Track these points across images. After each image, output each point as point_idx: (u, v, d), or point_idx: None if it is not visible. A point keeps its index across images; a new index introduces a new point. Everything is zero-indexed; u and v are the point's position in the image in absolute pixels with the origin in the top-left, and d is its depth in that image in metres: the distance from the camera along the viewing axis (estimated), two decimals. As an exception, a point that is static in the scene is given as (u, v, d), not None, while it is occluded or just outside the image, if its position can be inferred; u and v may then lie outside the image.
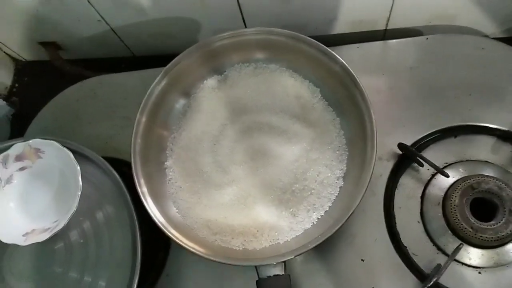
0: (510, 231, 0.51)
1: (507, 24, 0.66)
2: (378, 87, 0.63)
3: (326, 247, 0.56)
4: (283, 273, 0.47)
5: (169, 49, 0.74)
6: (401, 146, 0.58)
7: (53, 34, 0.73)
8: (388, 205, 0.57)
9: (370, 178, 0.49)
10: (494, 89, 0.61)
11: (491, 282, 0.52)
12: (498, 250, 0.52)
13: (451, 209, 0.54)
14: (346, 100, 0.55)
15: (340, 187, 0.54)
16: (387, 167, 0.59)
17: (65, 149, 0.56)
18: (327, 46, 0.55)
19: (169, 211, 0.55)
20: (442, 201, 0.55)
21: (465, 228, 0.52)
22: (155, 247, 0.59)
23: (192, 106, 0.60)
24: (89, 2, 0.63)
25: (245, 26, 0.68)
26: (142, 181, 0.52)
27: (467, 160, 0.58)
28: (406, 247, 0.55)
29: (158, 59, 0.68)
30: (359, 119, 0.53)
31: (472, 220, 0.52)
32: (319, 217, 0.53)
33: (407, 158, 0.59)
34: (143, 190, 0.52)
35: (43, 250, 0.55)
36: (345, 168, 0.55)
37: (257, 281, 0.48)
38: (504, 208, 0.52)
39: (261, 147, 0.57)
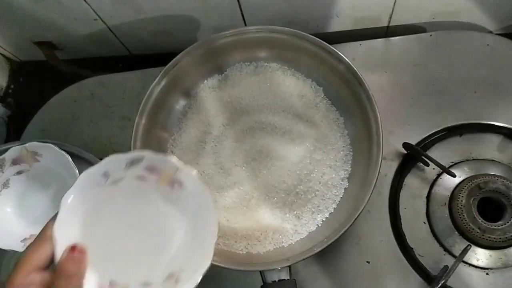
0: (518, 231, 0.50)
1: (511, 19, 0.65)
2: (381, 85, 0.62)
3: (330, 249, 0.55)
4: (289, 277, 0.46)
5: (167, 48, 0.73)
6: (406, 145, 0.57)
7: (49, 33, 0.71)
8: (393, 206, 0.57)
9: (377, 178, 0.48)
10: (499, 86, 0.60)
11: (499, 283, 0.51)
12: (506, 251, 0.52)
13: (458, 209, 0.53)
14: (350, 99, 0.54)
15: (345, 188, 0.53)
16: (392, 166, 0.58)
17: (63, 152, 0.55)
18: (329, 44, 0.54)
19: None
20: (449, 201, 0.55)
21: (473, 228, 0.52)
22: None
23: (192, 107, 0.59)
24: (85, 0, 0.61)
25: (245, 24, 0.67)
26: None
27: (473, 159, 0.57)
28: (412, 248, 0.54)
29: (156, 57, 0.67)
30: (363, 119, 0.52)
31: (480, 221, 0.52)
32: (324, 219, 0.52)
33: (412, 157, 0.58)
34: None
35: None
36: (350, 169, 0.54)
37: (261, 286, 0.47)
38: (512, 208, 0.51)
39: (263, 148, 0.56)
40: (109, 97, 0.69)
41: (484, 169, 0.55)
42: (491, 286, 0.51)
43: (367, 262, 0.54)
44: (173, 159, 0.35)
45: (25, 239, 0.54)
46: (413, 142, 0.57)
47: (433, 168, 0.57)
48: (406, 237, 0.55)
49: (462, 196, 0.53)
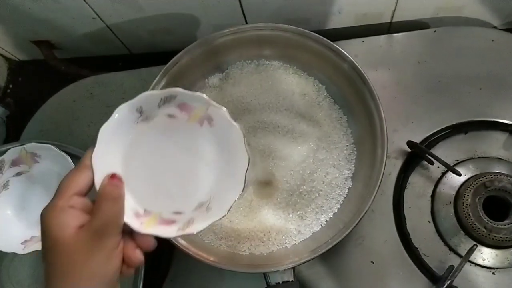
0: (525, 230, 0.50)
1: (516, 14, 0.64)
2: (384, 82, 0.62)
3: (334, 249, 0.54)
4: (293, 279, 0.46)
5: (167, 46, 0.72)
6: (410, 143, 0.56)
7: (47, 32, 0.71)
8: (397, 205, 0.56)
9: (381, 178, 0.47)
10: (505, 82, 0.59)
11: (505, 283, 0.51)
12: (513, 250, 0.51)
13: (463, 208, 0.52)
14: (353, 97, 0.53)
15: (349, 188, 0.53)
16: (396, 165, 0.57)
17: (62, 153, 0.55)
18: (331, 41, 0.53)
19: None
20: (454, 200, 0.54)
21: (478, 228, 0.51)
22: (159, 252, 0.57)
23: (193, 106, 0.58)
24: (83, -1, 0.61)
25: (246, 21, 0.66)
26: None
27: (478, 157, 0.56)
28: (417, 248, 0.54)
29: (156, 56, 0.66)
30: (367, 117, 0.51)
31: (486, 220, 0.51)
32: (328, 220, 0.52)
33: (417, 156, 0.57)
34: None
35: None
36: (354, 168, 0.53)
37: (265, 288, 0.46)
38: (519, 206, 0.51)
39: (265, 148, 0.55)
40: (109, 96, 0.68)
41: (490, 167, 0.55)
42: (497, 286, 0.51)
43: (371, 262, 0.54)
44: (205, 96, 0.37)
45: (25, 241, 0.54)
46: (417, 140, 0.57)
47: (438, 167, 0.56)
48: (411, 237, 0.54)
49: (468, 195, 0.52)
